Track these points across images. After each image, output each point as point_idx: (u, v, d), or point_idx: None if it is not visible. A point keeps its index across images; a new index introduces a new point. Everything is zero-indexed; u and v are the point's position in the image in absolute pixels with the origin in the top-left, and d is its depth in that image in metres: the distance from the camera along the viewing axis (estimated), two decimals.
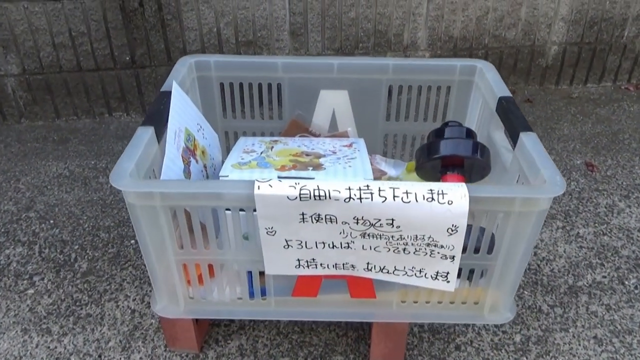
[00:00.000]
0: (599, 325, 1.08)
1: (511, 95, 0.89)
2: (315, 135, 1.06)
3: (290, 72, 1.01)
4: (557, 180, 0.68)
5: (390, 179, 1.03)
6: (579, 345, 1.04)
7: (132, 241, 1.28)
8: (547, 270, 1.21)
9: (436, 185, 0.67)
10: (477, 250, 0.76)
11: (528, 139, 0.78)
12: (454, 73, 1.01)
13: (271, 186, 0.66)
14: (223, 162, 1.03)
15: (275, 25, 1.69)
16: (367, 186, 0.66)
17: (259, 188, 0.66)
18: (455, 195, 0.66)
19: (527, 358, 1.01)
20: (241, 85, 1.03)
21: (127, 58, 1.69)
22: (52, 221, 1.35)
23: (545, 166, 0.71)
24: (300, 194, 0.66)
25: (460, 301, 0.82)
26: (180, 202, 0.69)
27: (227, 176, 0.77)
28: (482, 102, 0.99)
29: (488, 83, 0.95)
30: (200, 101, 1.04)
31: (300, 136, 1.06)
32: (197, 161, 0.91)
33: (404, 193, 0.66)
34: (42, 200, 1.42)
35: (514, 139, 0.81)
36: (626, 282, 1.18)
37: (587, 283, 1.17)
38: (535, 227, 0.71)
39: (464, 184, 0.68)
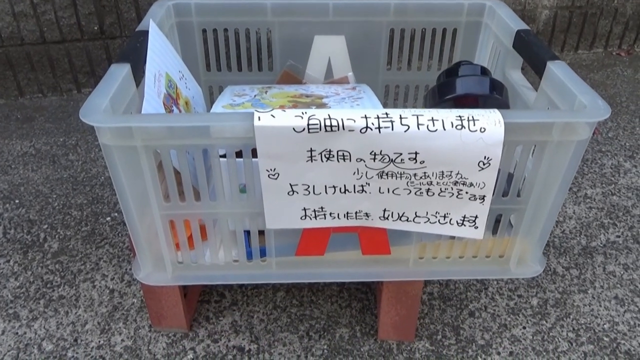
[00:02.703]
0: (619, 285, 1.01)
1: (529, 28, 0.81)
2: None
3: (280, 15, 0.91)
4: (599, 104, 0.60)
5: None
6: (600, 306, 0.97)
7: (108, 218, 1.16)
8: (558, 232, 1.13)
9: (466, 111, 0.58)
10: (505, 194, 0.67)
11: (557, 67, 0.69)
12: (461, 13, 0.92)
13: (274, 117, 0.56)
14: None
15: None
16: (386, 114, 0.57)
17: (259, 119, 0.56)
18: (489, 122, 0.57)
19: (547, 321, 0.93)
20: (226, 32, 0.93)
21: (96, 28, 1.56)
22: (17, 201, 1.22)
23: (583, 91, 0.63)
24: (308, 125, 0.56)
25: (484, 254, 0.73)
26: (164, 141, 0.58)
27: None
28: (493, 42, 0.90)
29: (501, 19, 0.86)
30: (180, 51, 0.93)
31: None
32: (180, 111, 0.81)
33: (429, 120, 0.57)
34: (5, 179, 1.29)
35: (539, 70, 0.72)
36: None
37: (601, 243, 1.10)
38: (574, 161, 0.62)
39: (497, 110, 0.58)
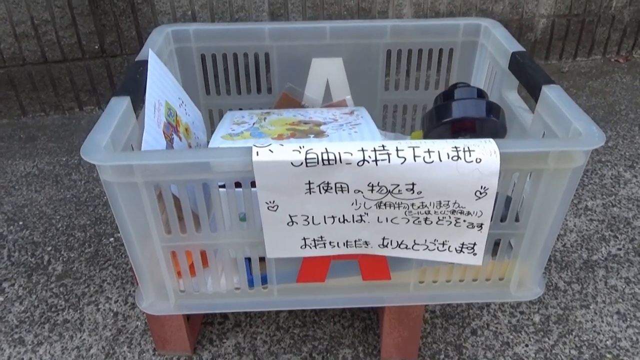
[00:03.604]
0: (621, 300, 1.01)
1: (524, 49, 0.81)
2: None
3: (278, 40, 0.92)
4: (594, 131, 0.60)
5: None
6: (602, 322, 0.97)
7: (112, 239, 1.17)
8: (559, 246, 1.13)
9: (461, 142, 0.58)
10: (503, 219, 0.68)
11: (552, 92, 0.70)
12: (457, 34, 0.93)
13: (272, 151, 0.57)
14: (208, 141, 0.93)
15: (254, 6, 1.60)
16: (383, 146, 0.58)
17: (257, 154, 0.57)
18: (484, 152, 0.58)
19: (549, 339, 0.93)
20: (225, 56, 0.94)
21: (96, 47, 1.57)
22: (21, 222, 1.23)
23: (578, 118, 0.63)
24: (306, 159, 0.57)
25: (484, 278, 0.74)
26: (165, 177, 0.59)
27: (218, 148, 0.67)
28: (489, 63, 0.91)
29: (497, 40, 0.87)
30: (180, 76, 0.94)
31: None
32: (180, 139, 0.81)
33: (425, 152, 0.57)
34: (9, 201, 1.30)
35: (534, 93, 0.73)
36: None
37: (603, 257, 1.11)
38: (570, 187, 0.63)
39: (492, 140, 0.59)
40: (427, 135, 0.83)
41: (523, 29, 1.82)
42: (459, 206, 0.61)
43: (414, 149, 0.57)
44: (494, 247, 0.71)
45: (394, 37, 0.93)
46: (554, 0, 1.79)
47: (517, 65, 0.79)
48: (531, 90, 0.74)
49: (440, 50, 0.95)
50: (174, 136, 0.80)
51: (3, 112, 1.63)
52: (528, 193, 0.66)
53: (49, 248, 1.15)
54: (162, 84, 0.80)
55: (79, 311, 1.00)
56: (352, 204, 0.61)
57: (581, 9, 1.83)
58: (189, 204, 0.62)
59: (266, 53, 0.94)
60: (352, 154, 0.57)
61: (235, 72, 0.95)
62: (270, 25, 0.91)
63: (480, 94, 0.81)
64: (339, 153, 0.57)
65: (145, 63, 0.77)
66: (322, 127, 0.74)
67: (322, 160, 0.57)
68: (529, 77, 0.75)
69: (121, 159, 0.57)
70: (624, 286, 1.04)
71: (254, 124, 0.76)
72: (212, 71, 0.95)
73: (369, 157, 0.57)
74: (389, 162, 0.57)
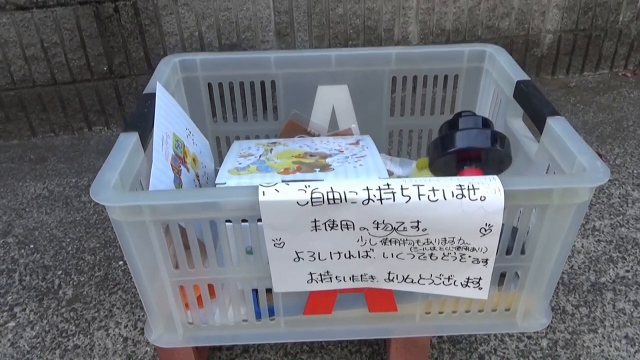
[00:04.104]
0: (629, 324, 1.00)
1: (529, 78, 0.82)
2: (314, 136, 0.97)
3: (284, 68, 0.93)
4: (599, 166, 0.61)
5: (399, 177, 0.94)
6: (610, 346, 0.96)
7: (120, 262, 1.18)
8: (566, 268, 1.13)
9: (466, 180, 0.59)
10: (509, 252, 0.68)
11: (557, 124, 0.70)
12: (461, 60, 0.94)
13: (278, 191, 0.58)
14: (216, 170, 0.94)
15: (260, 26, 1.61)
16: (388, 185, 0.58)
17: (263, 194, 0.58)
18: (488, 190, 0.58)
19: None
20: (231, 85, 0.95)
21: (105, 68, 1.59)
22: (32, 246, 1.24)
23: (582, 152, 0.64)
24: (312, 199, 0.58)
25: (490, 308, 0.74)
26: (173, 216, 0.60)
27: (225, 183, 0.68)
28: (494, 89, 0.91)
29: (501, 67, 0.87)
30: (187, 104, 0.95)
31: (298, 137, 0.97)
32: (188, 170, 0.82)
33: (430, 191, 0.58)
34: (20, 224, 1.31)
35: (539, 125, 0.73)
36: None
37: (611, 279, 1.10)
38: (575, 222, 0.63)
39: (496, 176, 0.59)
40: (432, 164, 0.83)
41: (529, 44, 1.83)
42: (464, 242, 0.61)
43: (418, 188, 0.58)
44: (500, 277, 0.71)
45: (399, 64, 0.93)
46: (560, 15, 1.79)
47: (522, 94, 0.80)
48: (536, 121, 0.74)
49: (445, 77, 0.95)
50: (182, 168, 0.81)
51: (13, 133, 1.65)
52: (534, 224, 0.66)
53: (60, 272, 1.17)
54: (169, 116, 0.81)
55: (89, 336, 1.01)
56: (358, 240, 0.62)
57: (588, 23, 1.83)
58: (196, 240, 0.63)
59: (272, 81, 0.95)
60: (357, 193, 0.58)
61: (241, 100, 0.96)
62: (276, 53, 0.92)
63: (485, 122, 0.82)
64: (344, 192, 0.58)
65: (153, 96, 0.78)
66: (328, 160, 0.74)
67: (328, 199, 0.58)
68: (533, 107, 0.76)
69: (130, 200, 0.58)
70: (632, 309, 1.03)
71: (260, 156, 0.77)
72: (218, 99, 0.96)
73: (374, 196, 0.58)
74: (394, 200, 0.58)
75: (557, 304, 1.05)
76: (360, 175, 0.70)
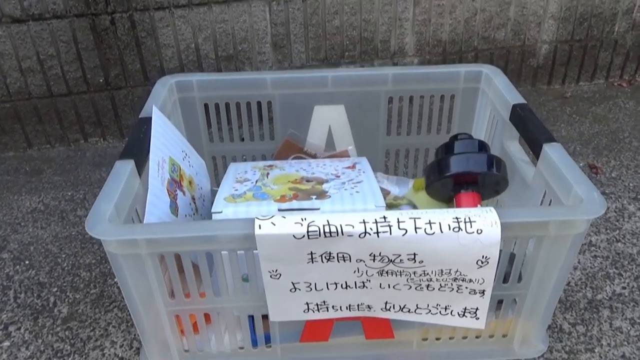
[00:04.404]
0: (626, 343, 1.00)
1: (525, 101, 0.82)
2: (311, 156, 0.97)
3: (280, 88, 0.93)
4: (596, 198, 0.61)
5: (396, 198, 0.94)
6: None
7: (116, 279, 1.17)
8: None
9: (462, 212, 0.59)
10: (506, 279, 0.68)
11: (553, 151, 0.70)
12: (458, 80, 0.94)
13: (274, 224, 0.58)
14: (212, 191, 0.94)
15: (257, 38, 1.61)
16: (384, 218, 0.58)
17: (260, 227, 0.57)
18: (485, 223, 0.58)
19: None
20: (227, 105, 0.95)
21: (101, 80, 1.59)
22: (27, 262, 1.24)
23: (579, 181, 0.64)
24: (308, 232, 0.57)
25: (487, 335, 0.74)
26: (169, 248, 0.60)
27: (221, 212, 0.68)
28: (491, 110, 0.91)
29: (497, 89, 0.87)
30: (183, 125, 0.95)
31: (295, 157, 0.97)
32: (184, 193, 0.82)
33: (426, 224, 0.58)
34: (16, 239, 1.31)
35: (535, 150, 0.73)
36: None
37: (607, 296, 1.10)
38: (571, 252, 0.63)
39: (493, 208, 0.59)
40: (429, 187, 0.83)
41: (525, 54, 1.83)
42: (460, 274, 0.61)
43: (415, 221, 0.58)
44: (498, 304, 0.71)
45: (396, 84, 0.93)
46: (556, 26, 1.79)
47: (518, 117, 0.80)
48: (532, 147, 0.74)
49: (442, 97, 0.95)
50: (178, 192, 0.80)
51: (9, 145, 1.65)
52: (531, 251, 0.66)
53: (55, 289, 1.16)
54: (165, 140, 0.81)
55: (84, 356, 1.01)
56: (355, 271, 0.62)
57: (583, 34, 1.83)
58: (192, 270, 0.63)
59: (268, 101, 0.94)
60: (353, 227, 0.58)
61: (237, 120, 0.96)
62: (273, 74, 0.92)
63: (482, 146, 0.82)
64: (341, 226, 0.58)
65: (149, 120, 0.78)
66: (325, 186, 0.74)
67: (324, 232, 0.57)
68: (529, 132, 0.76)
69: (126, 234, 0.58)
70: (629, 328, 1.03)
71: (256, 181, 0.77)
72: (215, 119, 0.96)
73: (371, 229, 0.58)
74: (391, 234, 0.58)
75: (554, 322, 1.05)
76: (357, 202, 0.69)
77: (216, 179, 1.00)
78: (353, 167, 0.82)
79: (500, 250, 0.61)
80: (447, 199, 0.87)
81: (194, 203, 0.85)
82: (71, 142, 1.67)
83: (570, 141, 1.62)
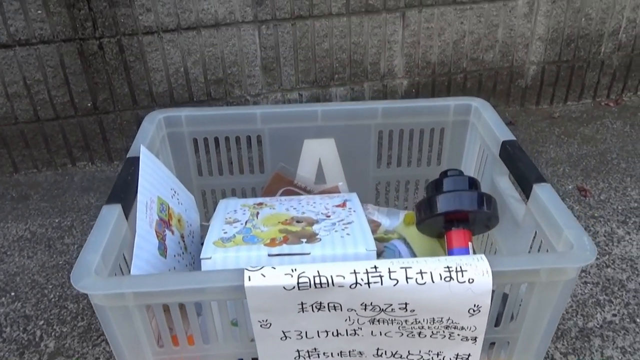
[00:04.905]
0: None
1: (514, 138, 0.82)
2: (301, 189, 0.97)
3: (270, 123, 0.92)
4: (586, 244, 0.61)
5: (386, 232, 0.94)
6: None
7: None
8: None
9: (453, 261, 0.58)
10: (498, 321, 0.67)
11: (543, 192, 0.70)
12: (447, 113, 0.94)
13: (264, 275, 0.57)
14: (202, 226, 0.93)
15: (246, 61, 1.61)
16: (375, 267, 0.58)
17: (249, 279, 0.57)
18: (477, 272, 0.58)
19: None
20: (216, 139, 0.94)
21: (89, 104, 1.57)
22: (13, 293, 1.22)
23: (569, 226, 0.64)
24: (298, 283, 0.57)
25: None
26: (157, 300, 0.59)
27: (210, 258, 0.67)
28: (481, 144, 0.91)
29: (487, 124, 0.87)
30: (172, 159, 0.94)
31: (285, 190, 0.96)
32: (173, 232, 0.81)
33: (418, 273, 0.57)
34: (1, 269, 1.29)
35: (525, 190, 0.73)
36: (637, 320, 1.11)
37: (598, 324, 1.10)
38: (562, 296, 0.63)
39: (484, 257, 0.59)
40: (419, 225, 0.83)
41: (514, 75, 1.84)
42: (452, 322, 0.61)
43: (406, 271, 0.57)
44: (490, 345, 0.71)
45: (385, 118, 0.93)
46: (543, 47, 1.81)
47: (508, 155, 0.80)
48: (522, 186, 0.74)
49: (432, 129, 0.95)
50: (166, 232, 0.79)
51: None
52: (523, 292, 0.65)
53: (41, 322, 1.14)
54: (154, 179, 0.80)
55: None
56: (346, 320, 0.61)
57: (570, 55, 1.85)
58: (181, 322, 0.62)
59: (258, 135, 0.94)
60: (344, 277, 0.57)
61: (227, 153, 0.95)
62: (262, 109, 0.91)
63: (472, 182, 0.82)
64: (331, 276, 0.57)
65: (136, 160, 0.77)
66: (315, 227, 0.74)
67: (315, 284, 0.57)
68: (519, 171, 0.76)
69: (112, 287, 0.57)
70: (620, 356, 1.03)
71: (246, 222, 0.76)
72: (204, 153, 0.95)
73: (362, 279, 0.57)
74: (382, 284, 0.57)
75: (546, 352, 1.04)
76: (348, 246, 0.69)
77: (205, 214, 1.00)
78: (343, 205, 0.81)
79: (492, 296, 0.61)
80: (438, 234, 0.86)
81: (183, 241, 0.84)
82: (58, 166, 1.66)
83: (559, 163, 1.63)
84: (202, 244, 0.83)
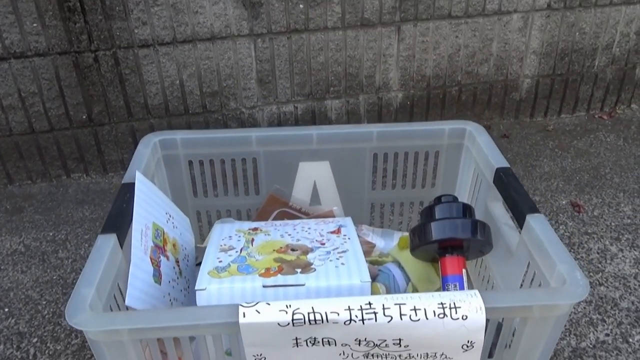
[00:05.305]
0: None
1: (508, 165, 0.83)
2: (296, 210, 0.97)
3: (265, 146, 0.93)
4: (579, 280, 0.61)
5: (381, 255, 0.94)
6: None
7: None
8: None
9: (447, 297, 0.59)
10: (491, 353, 0.68)
11: (536, 223, 0.70)
12: (442, 137, 0.94)
13: (258, 312, 0.57)
14: (197, 247, 0.94)
15: (242, 74, 1.61)
16: (370, 304, 0.58)
17: (244, 315, 0.57)
18: (470, 309, 0.58)
19: None
20: (212, 162, 0.94)
21: (84, 116, 1.57)
22: (7, 309, 1.21)
23: (562, 260, 0.64)
24: (293, 319, 0.57)
25: None
26: (151, 335, 0.59)
27: (205, 289, 0.67)
28: (475, 169, 0.92)
29: (481, 149, 0.88)
30: (167, 181, 0.94)
31: (280, 211, 0.97)
32: (168, 258, 0.81)
33: (411, 310, 0.58)
34: None
35: (519, 220, 0.74)
36: (630, 340, 1.12)
37: (591, 344, 1.11)
38: (555, 330, 0.64)
39: (477, 293, 0.60)
40: (413, 251, 0.83)
41: (508, 88, 1.85)
42: (446, 357, 0.61)
43: (400, 307, 0.58)
44: None
45: (380, 141, 0.94)
46: (537, 61, 1.82)
47: (502, 183, 0.80)
48: (516, 216, 0.75)
49: (426, 153, 0.96)
50: (161, 257, 0.80)
51: None
52: (517, 323, 0.66)
53: (35, 339, 1.14)
54: (149, 205, 0.80)
55: None
56: (340, 354, 0.61)
57: (564, 68, 1.86)
58: (174, 350, 0.62)
59: (253, 158, 0.94)
60: (338, 314, 0.57)
61: (222, 176, 0.96)
62: (257, 132, 0.92)
63: (465, 209, 0.82)
64: (326, 313, 0.57)
65: (132, 187, 0.77)
66: (310, 256, 0.74)
67: (309, 320, 0.57)
68: (513, 200, 0.76)
69: (107, 324, 0.57)
70: None
71: (241, 250, 0.76)
72: (199, 174, 0.95)
73: (356, 316, 0.57)
74: (376, 320, 0.58)
75: None
76: (342, 277, 0.69)
77: (200, 235, 1.00)
78: (338, 231, 0.82)
79: (486, 330, 0.61)
80: (432, 259, 0.87)
81: (178, 266, 0.84)
82: (53, 177, 1.65)
83: (553, 177, 1.64)
84: (198, 265, 0.84)
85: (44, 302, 1.23)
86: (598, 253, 1.34)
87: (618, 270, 1.29)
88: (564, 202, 1.53)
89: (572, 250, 1.34)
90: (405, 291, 0.88)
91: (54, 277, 1.30)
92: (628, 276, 1.27)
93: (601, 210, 1.49)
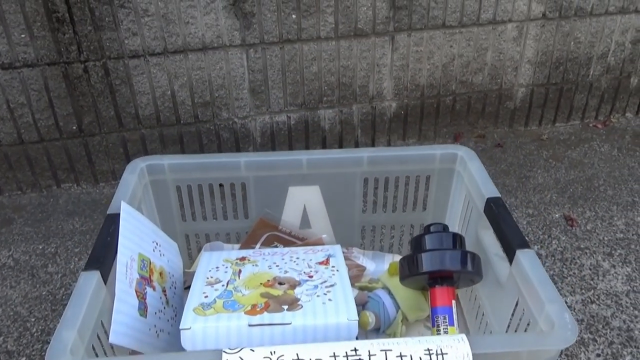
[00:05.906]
0: None
1: (499, 195, 0.82)
2: (285, 233, 0.96)
3: (254, 171, 0.91)
4: (567, 323, 0.61)
5: (371, 281, 0.94)
6: None
7: None
8: None
9: (434, 343, 0.58)
10: None
11: (526, 259, 0.70)
12: (433, 162, 0.93)
13: (242, 359, 0.56)
14: (184, 272, 0.93)
15: (234, 84, 1.59)
16: (355, 350, 0.57)
17: None
18: (457, 355, 0.57)
19: None
20: (200, 187, 0.93)
21: (74, 127, 1.55)
22: None
23: (551, 300, 0.64)
24: None
25: None
26: None
27: (189, 328, 0.66)
28: (466, 195, 0.91)
29: (472, 176, 0.87)
30: (155, 207, 0.93)
31: (269, 235, 0.96)
32: (154, 288, 0.80)
33: (397, 357, 0.57)
34: None
35: (508, 254, 0.73)
36: None
37: None
38: None
39: (465, 338, 0.59)
40: (403, 280, 0.83)
41: (502, 97, 1.84)
42: None
43: (386, 354, 0.57)
44: None
45: (371, 166, 0.93)
46: (532, 70, 1.81)
47: (492, 214, 0.80)
48: (505, 249, 0.74)
49: (417, 177, 0.95)
50: (147, 289, 0.79)
51: None
52: None
53: (23, 358, 1.13)
54: (134, 235, 0.79)
55: None
56: None
57: (559, 77, 1.85)
58: None
59: (242, 183, 0.93)
60: None
61: (211, 200, 0.95)
62: (247, 157, 0.90)
63: (455, 239, 0.81)
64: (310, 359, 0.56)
65: (116, 218, 0.76)
66: (297, 291, 0.73)
67: None
68: (503, 233, 0.75)
69: None
70: None
71: (228, 283, 0.75)
72: (187, 199, 0.94)
73: None
74: None
75: None
76: (329, 315, 0.68)
77: (189, 258, 0.99)
78: (327, 262, 0.81)
79: None
80: (422, 287, 0.86)
81: (165, 296, 0.83)
82: (43, 188, 1.64)
83: (547, 189, 1.63)
84: (187, 288, 0.83)
85: (33, 319, 1.22)
86: (590, 269, 1.34)
87: (610, 287, 1.28)
88: (557, 216, 1.52)
89: (564, 267, 1.34)
90: (394, 319, 0.88)
91: (43, 293, 1.29)
92: (620, 293, 1.27)
93: (594, 224, 1.49)
